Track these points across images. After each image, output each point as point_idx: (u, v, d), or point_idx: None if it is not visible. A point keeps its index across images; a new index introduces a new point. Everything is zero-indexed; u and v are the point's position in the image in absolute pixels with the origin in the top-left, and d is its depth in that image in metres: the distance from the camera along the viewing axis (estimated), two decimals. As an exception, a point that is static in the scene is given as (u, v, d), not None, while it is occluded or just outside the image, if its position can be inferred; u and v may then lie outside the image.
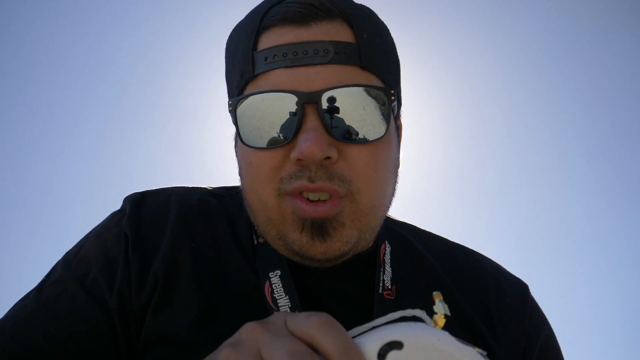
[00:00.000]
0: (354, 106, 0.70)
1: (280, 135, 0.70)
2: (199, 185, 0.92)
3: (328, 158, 0.69)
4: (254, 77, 0.73)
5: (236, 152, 0.82)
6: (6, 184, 3.92)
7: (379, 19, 0.81)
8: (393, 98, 0.73)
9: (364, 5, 0.79)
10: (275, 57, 0.71)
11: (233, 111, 0.73)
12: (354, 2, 0.78)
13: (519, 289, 0.89)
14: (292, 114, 0.69)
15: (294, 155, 0.69)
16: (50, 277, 0.79)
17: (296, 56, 0.70)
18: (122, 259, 0.78)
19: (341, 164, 0.70)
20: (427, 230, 0.96)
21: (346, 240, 0.72)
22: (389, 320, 0.47)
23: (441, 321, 0.47)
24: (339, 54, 0.70)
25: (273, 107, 0.70)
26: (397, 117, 0.84)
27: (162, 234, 0.81)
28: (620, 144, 4.28)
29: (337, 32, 0.72)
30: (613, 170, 4.36)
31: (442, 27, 4.14)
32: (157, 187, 0.90)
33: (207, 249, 0.81)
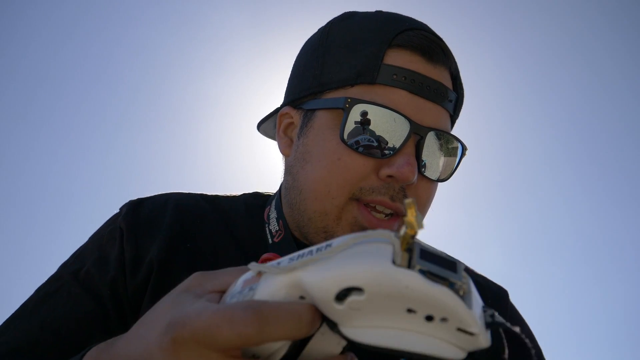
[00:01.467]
0: (437, 147, 0.80)
1: (380, 149, 0.76)
2: (196, 192, 0.96)
3: (410, 184, 0.77)
4: (373, 84, 0.78)
5: (303, 133, 0.83)
6: (6, 184, 3.92)
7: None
8: (465, 154, 0.85)
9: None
10: (404, 78, 0.77)
11: (349, 108, 0.77)
12: (456, 60, 0.87)
13: (499, 293, 0.99)
14: (398, 137, 0.76)
15: (388, 171, 0.75)
16: (50, 277, 0.83)
17: (421, 87, 0.78)
18: (117, 248, 0.81)
19: (412, 191, 0.78)
20: None
21: None
22: (346, 244, 0.41)
23: (405, 241, 0.39)
24: (447, 101, 0.81)
25: (384, 121, 0.76)
26: None
27: (157, 232, 0.84)
28: (621, 144, 4.29)
29: (448, 80, 0.83)
30: (613, 170, 4.37)
31: (440, 27, 4.14)
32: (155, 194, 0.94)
33: (203, 249, 0.83)
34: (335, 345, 0.45)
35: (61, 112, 4.01)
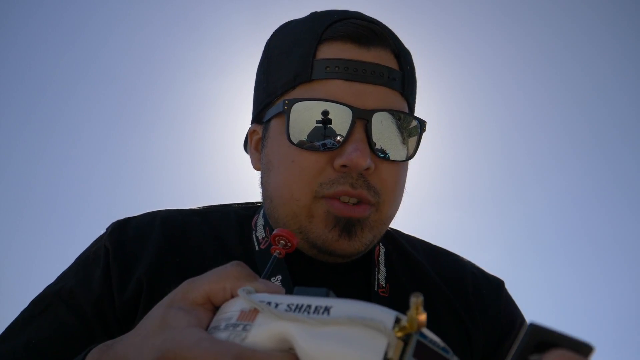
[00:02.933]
0: (392, 128, 0.80)
1: (328, 142, 0.78)
2: (186, 207, 0.97)
3: (367, 169, 0.77)
4: (310, 81, 0.79)
5: (265, 145, 0.86)
6: (6, 185, 3.93)
7: (412, 59, 0.92)
8: (424, 129, 0.84)
9: (406, 47, 0.90)
10: (337, 68, 0.78)
11: (288, 110, 0.79)
12: (400, 40, 0.88)
13: (495, 283, 1.00)
14: (343, 125, 0.77)
15: (340, 161, 0.76)
16: (34, 298, 0.83)
17: (356, 72, 0.78)
18: (102, 267, 0.81)
19: (375, 176, 0.79)
20: (408, 234, 1.07)
21: (364, 242, 0.80)
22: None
23: (402, 332, 0.39)
24: (390, 79, 0.80)
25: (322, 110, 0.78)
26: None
27: (145, 249, 0.84)
28: (620, 144, 4.29)
29: (388, 59, 0.82)
30: (613, 171, 4.37)
31: (437, 28, 4.15)
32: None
33: (192, 262, 0.84)
34: None
35: (62, 112, 4.02)
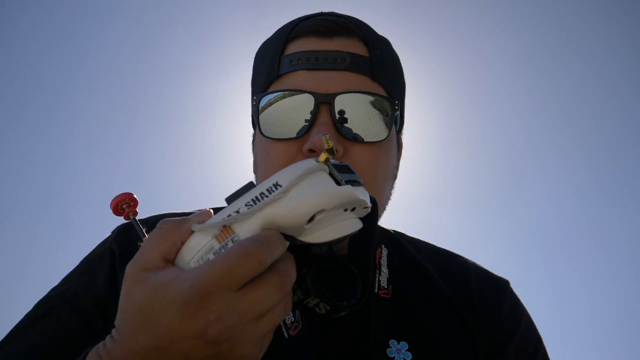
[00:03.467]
0: (361, 111, 0.81)
1: (296, 129, 0.80)
2: (192, 210, 0.98)
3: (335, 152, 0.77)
4: (279, 77, 0.83)
5: (253, 147, 0.91)
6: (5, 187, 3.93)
7: (393, 48, 0.94)
8: (396, 108, 0.84)
9: (381, 35, 0.92)
10: (299, 60, 0.82)
11: (256, 106, 0.83)
12: (372, 29, 0.91)
13: (499, 283, 0.98)
14: (308, 112, 0.79)
15: (306, 146, 0.77)
16: (39, 300, 0.84)
17: (317, 61, 0.81)
18: (107, 269, 0.82)
19: (345, 160, 0.79)
20: (413, 236, 1.06)
21: None
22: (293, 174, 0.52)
23: (323, 157, 0.53)
24: (353, 64, 0.82)
25: (291, 105, 0.81)
26: (399, 132, 0.95)
27: None
28: (620, 145, 4.29)
29: (354, 46, 0.84)
30: (614, 171, 4.37)
31: (439, 28, 4.15)
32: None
33: None
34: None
35: (63, 113, 4.02)
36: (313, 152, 0.77)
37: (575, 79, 4.28)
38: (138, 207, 0.68)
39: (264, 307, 0.49)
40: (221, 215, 0.52)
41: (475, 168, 4.28)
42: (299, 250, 0.55)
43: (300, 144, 0.79)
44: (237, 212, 0.51)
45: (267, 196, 0.51)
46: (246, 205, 0.51)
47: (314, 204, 0.50)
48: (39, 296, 0.83)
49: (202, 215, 0.54)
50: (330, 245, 0.58)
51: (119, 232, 0.88)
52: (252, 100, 0.86)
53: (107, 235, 0.90)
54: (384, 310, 0.83)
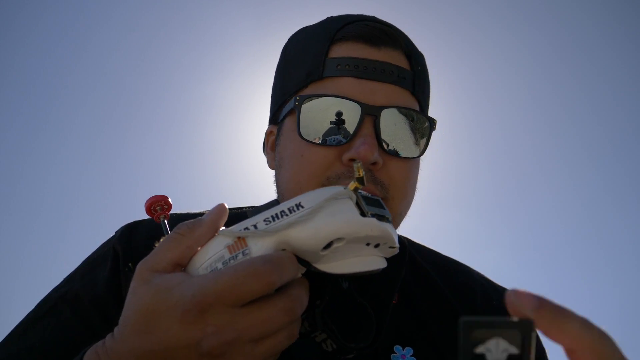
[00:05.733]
0: (402, 126, 0.81)
1: (337, 137, 0.79)
2: (191, 211, 0.97)
3: (375, 164, 0.77)
4: (322, 79, 0.81)
5: (278, 144, 0.88)
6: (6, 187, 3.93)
7: (425, 61, 0.94)
8: (434, 127, 0.85)
9: (419, 50, 0.92)
10: (347, 66, 0.80)
11: (298, 106, 0.80)
12: (412, 42, 0.90)
13: (503, 293, 0.96)
14: (352, 121, 0.78)
15: (348, 155, 0.76)
16: (40, 301, 0.83)
17: (366, 70, 0.80)
18: (109, 270, 0.81)
19: (383, 172, 0.79)
20: (421, 243, 1.06)
21: None
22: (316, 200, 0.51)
23: (352, 185, 0.52)
24: (400, 78, 0.82)
25: (337, 110, 0.79)
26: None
27: None
28: (622, 146, 4.28)
29: (399, 59, 0.84)
30: (615, 172, 4.36)
31: (442, 28, 4.15)
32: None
33: None
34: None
35: (64, 114, 4.02)
36: (353, 161, 0.75)
37: (577, 80, 4.27)
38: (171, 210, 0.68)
39: (266, 330, 0.48)
40: (238, 226, 0.51)
41: (476, 168, 4.28)
42: (314, 279, 0.54)
43: (339, 152, 0.78)
44: (255, 226, 0.50)
45: (287, 215, 0.50)
46: (264, 221, 0.50)
47: (331, 229, 0.49)
48: (39, 297, 0.82)
49: (215, 212, 0.54)
50: (350, 281, 0.58)
51: (123, 232, 0.87)
52: (290, 96, 0.83)
53: (111, 236, 0.89)
54: (392, 317, 0.83)
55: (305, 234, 0.49)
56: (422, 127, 0.83)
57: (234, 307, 0.47)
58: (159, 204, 0.66)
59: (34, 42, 3.92)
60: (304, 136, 0.79)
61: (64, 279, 0.85)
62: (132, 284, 0.53)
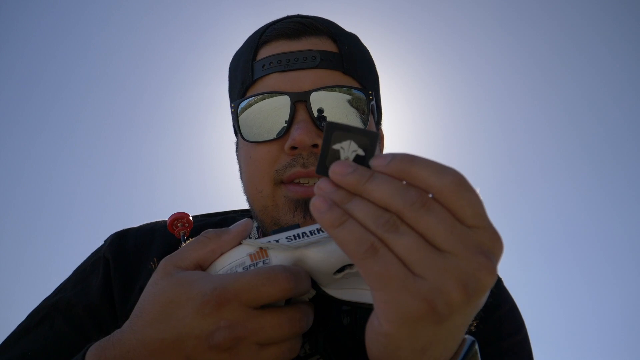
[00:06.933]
0: (338, 105, 0.83)
1: (276, 131, 0.82)
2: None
3: (316, 146, 0.80)
4: (253, 82, 0.85)
5: (237, 154, 0.92)
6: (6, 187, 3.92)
7: (361, 42, 0.96)
8: (371, 98, 0.86)
9: (349, 31, 0.95)
10: (271, 64, 0.84)
11: (235, 112, 0.85)
12: (339, 26, 0.93)
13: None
14: (286, 111, 0.82)
15: (287, 144, 0.80)
16: (32, 310, 0.84)
17: (288, 62, 0.83)
18: (101, 277, 0.83)
19: None
20: None
21: None
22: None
23: None
24: (324, 61, 0.84)
25: (269, 107, 0.82)
26: (378, 124, 0.97)
27: (147, 259, 0.86)
28: (623, 147, 4.28)
29: (322, 44, 0.87)
30: (616, 172, 4.36)
31: (439, 28, 4.14)
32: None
33: None
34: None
35: (65, 114, 4.03)
36: (295, 150, 0.79)
37: (578, 80, 4.27)
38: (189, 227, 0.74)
39: (273, 335, 0.51)
40: (263, 240, 0.56)
41: (475, 168, 4.28)
42: (319, 307, 0.57)
43: (281, 144, 0.81)
44: (277, 241, 0.55)
45: (307, 236, 0.55)
46: (287, 238, 0.56)
47: (344, 256, 0.52)
48: (31, 307, 0.84)
49: (242, 225, 0.57)
50: (351, 316, 0.62)
51: (112, 240, 0.89)
52: (231, 107, 0.88)
53: (100, 245, 0.91)
54: None
55: (321, 255, 0.54)
56: (360, 100, 0.85)
57: (249, 307, 0.50)
58: (180, 221, 0.72)
59: (34, 42, 3.92)
60: (247, 138, 0.84)
61: (56, 289, 0.86)
62: (154, 276, 0.55)
